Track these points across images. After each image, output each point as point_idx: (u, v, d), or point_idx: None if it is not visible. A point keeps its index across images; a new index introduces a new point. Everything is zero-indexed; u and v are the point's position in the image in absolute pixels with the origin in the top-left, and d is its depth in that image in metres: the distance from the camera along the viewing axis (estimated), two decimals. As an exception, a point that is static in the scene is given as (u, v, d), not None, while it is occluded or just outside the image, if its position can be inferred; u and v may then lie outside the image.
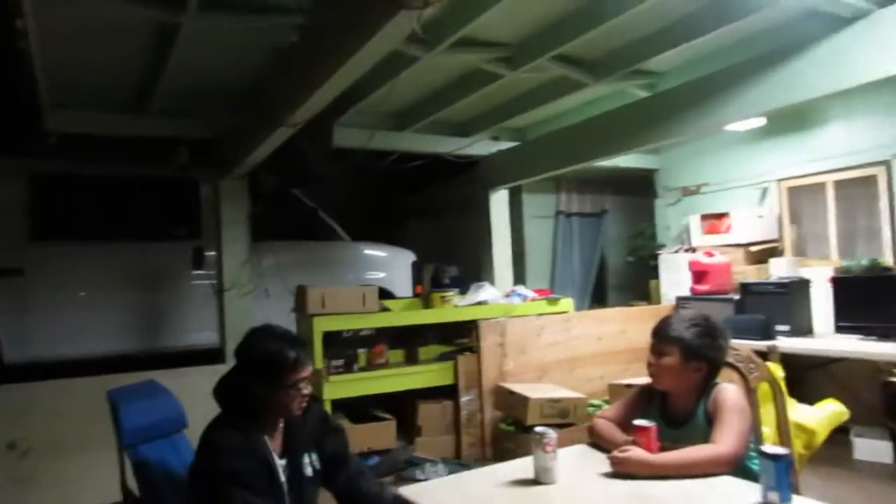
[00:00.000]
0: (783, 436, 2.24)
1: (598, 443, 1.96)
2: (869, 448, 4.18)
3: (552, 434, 1.67)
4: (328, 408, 4.21)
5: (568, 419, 4.31)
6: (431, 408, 4.60)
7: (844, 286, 4.58)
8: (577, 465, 1.82)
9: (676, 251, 6.30)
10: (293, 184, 6.00)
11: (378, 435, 4.28)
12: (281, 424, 1.93)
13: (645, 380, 1.98)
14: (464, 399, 4.59)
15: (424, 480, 4.03)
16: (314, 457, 1.97)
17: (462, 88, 5.01)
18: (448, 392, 4.64)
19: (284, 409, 1.87)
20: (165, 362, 4.43)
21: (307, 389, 1.88)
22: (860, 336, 4.30)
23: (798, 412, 2.29)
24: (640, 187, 7.63)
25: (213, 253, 5.08)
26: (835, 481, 3.74)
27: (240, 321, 4.68)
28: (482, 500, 1.59)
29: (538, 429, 1.69)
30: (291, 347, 1.86)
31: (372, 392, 4.41)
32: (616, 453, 1.71)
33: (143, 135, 4.84)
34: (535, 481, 1.66)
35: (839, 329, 4.46)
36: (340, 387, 4.28)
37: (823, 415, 2.34)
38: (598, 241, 8.42)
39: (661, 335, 1.94)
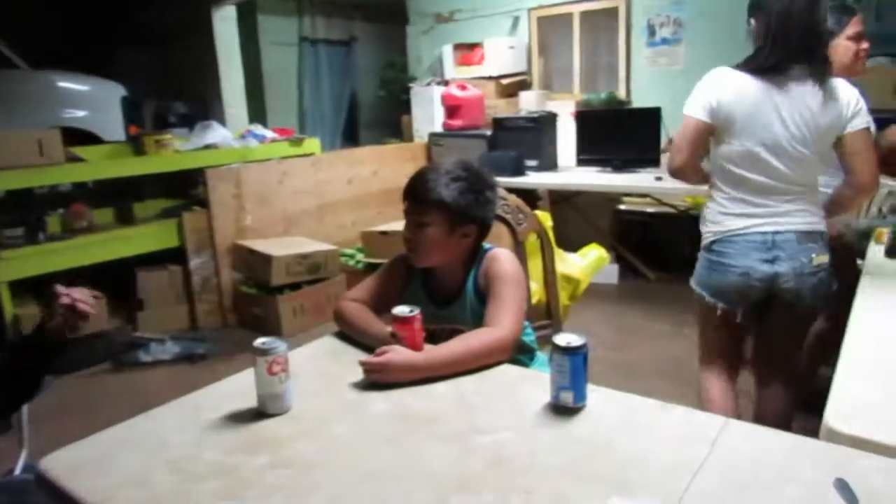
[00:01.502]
0: (551, 290, 2.04)
1: (349, 333, 1.51)
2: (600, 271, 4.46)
3: (280, 348, 1.16)
4: (5, 292, 3.24)
5: (319, 274, 3.92)
6: (154, 276, 3.85)
7: (585, 120, 4.62)
8: (320, 373, 1.36)
9: (428, 84, 5.91)
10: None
11: (84, 317, 3.45)
12: None
13: (401, 224, 1.54)
14: (194, 262, 3.89)
15: (151, 363, 3.44)
16: None
17: None
18: (175, 256, 3.89)
19: None
20: None
21: None
22: (599, 168, 4.42)
23: (563, 262, 2.11)
24: (392, 13, 6.95)
25: None
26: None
27: None
28: (172, 461, 1.06)
29: (259, 342, 1.17)
30: None
31: (69, 265, 3.47)
32: (370, 358, 1.28)
33: None
34: (261, 413, 1.18)
35: (580, 162, 4.54)
36: (21, 264, 3.29)
37: (587, 262, 2.20)
38: (348, 74, 7.72)
39: (417, 198, 1.47)
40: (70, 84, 5.19)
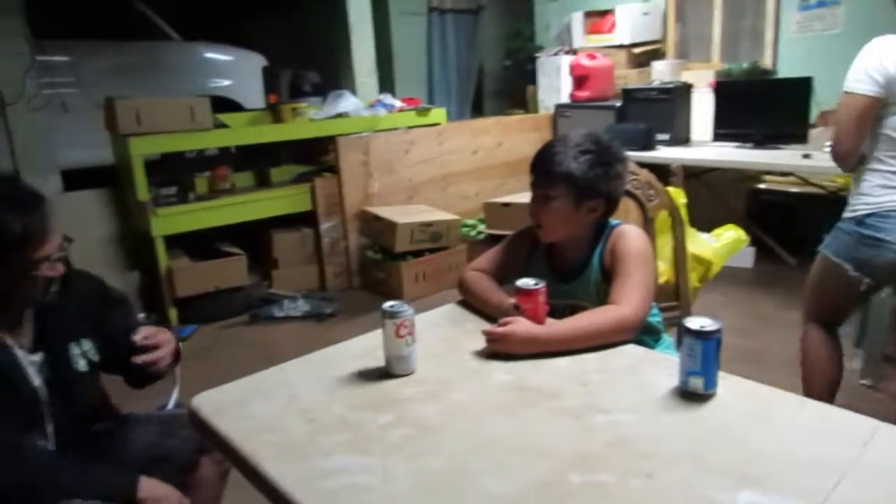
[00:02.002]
0: (680, 270, 1.95)
1: (471, 302, 1.53)
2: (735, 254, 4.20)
3: (407, 312, 1.20)
4: (160, 246, 3.58)
5: (441, 243, 3.99)
6: (288, 237, 4.08)
7: (724, 91, 4.33)
8: (443, 339, 1.39)
9: (556, 53, 5.77)
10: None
11: (226, 272, 3.74)
12: (29, 312, 1.34)
13: (523, 197, 1.52)
14: (324, 226, 4.09)
15: (283, 318, 3.67)
16: (88, 345, 1.42)
17: None
18: (306, 219, 4.11)
19: (19, 300, 1.28)
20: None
21: (54, 270, 1.26)
22: (737, 144, 4.14)
23: (695, 242, 2.00)
24: (521, -20, 6.82)
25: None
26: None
27: (37, 143, 3.72)
28: (303, 412, 1.13)
29: (387, 305, 1.21)
30: (17, 214, 1.18)
31: (214, 224, 3.78)
32: (495, 328, 1.29)
33: None
34: (386, 373, 1.23)
35: (717, 137, 4.27)
36: (173, 220, 3.61)
37: (721, 244, 2.07)
38: (474, 43, 7.68)
39: (544, 171, 1.44)
40: (216, 55, 5.53)
